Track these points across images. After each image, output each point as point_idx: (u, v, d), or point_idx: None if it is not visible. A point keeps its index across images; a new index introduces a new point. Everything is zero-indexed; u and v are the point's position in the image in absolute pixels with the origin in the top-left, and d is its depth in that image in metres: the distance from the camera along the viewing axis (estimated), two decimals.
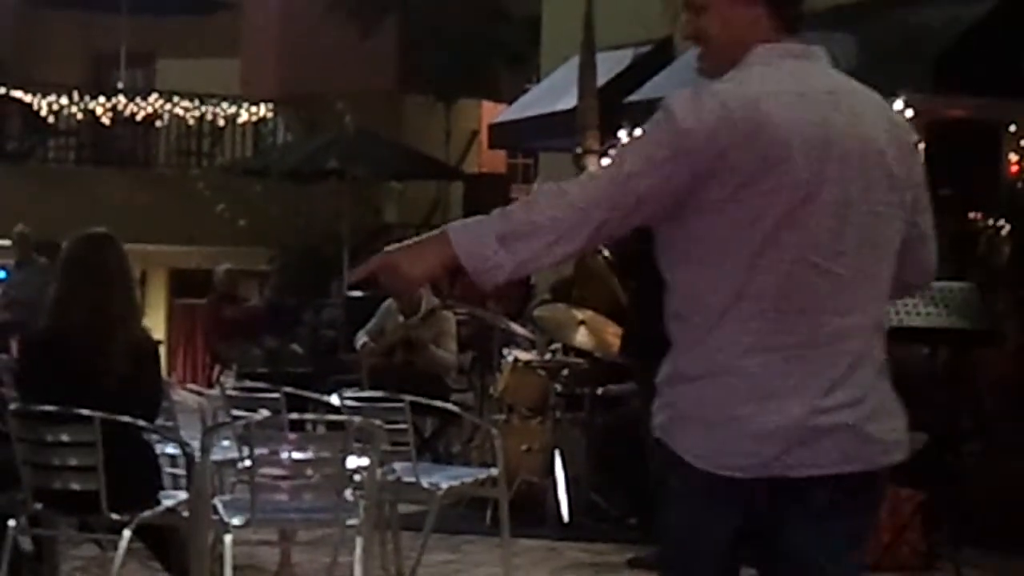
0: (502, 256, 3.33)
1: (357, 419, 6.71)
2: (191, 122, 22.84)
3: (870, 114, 3.49)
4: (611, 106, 12.43)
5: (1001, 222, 9.65)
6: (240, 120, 22.83)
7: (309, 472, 6.46)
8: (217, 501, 6.66)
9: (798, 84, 3.44)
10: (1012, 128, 9.63)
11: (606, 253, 9.68)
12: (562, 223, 3.33)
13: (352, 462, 6.50)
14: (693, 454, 3.45)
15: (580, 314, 9.60)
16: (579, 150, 12.08)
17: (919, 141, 3.57)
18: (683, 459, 3.45)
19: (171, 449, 7.40)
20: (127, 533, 6.27)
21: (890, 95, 9.71)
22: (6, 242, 16.67)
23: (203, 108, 22.77)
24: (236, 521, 6.37)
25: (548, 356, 10.27)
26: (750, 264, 3.38)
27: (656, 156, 3.36)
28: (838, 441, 3.40)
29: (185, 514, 6.55)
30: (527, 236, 3.32)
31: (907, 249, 3.56)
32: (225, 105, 22.83)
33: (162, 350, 7.98)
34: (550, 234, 3.32)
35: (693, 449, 3.45)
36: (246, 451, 6.49)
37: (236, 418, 7.31)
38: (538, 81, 16.76)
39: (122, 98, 22.56)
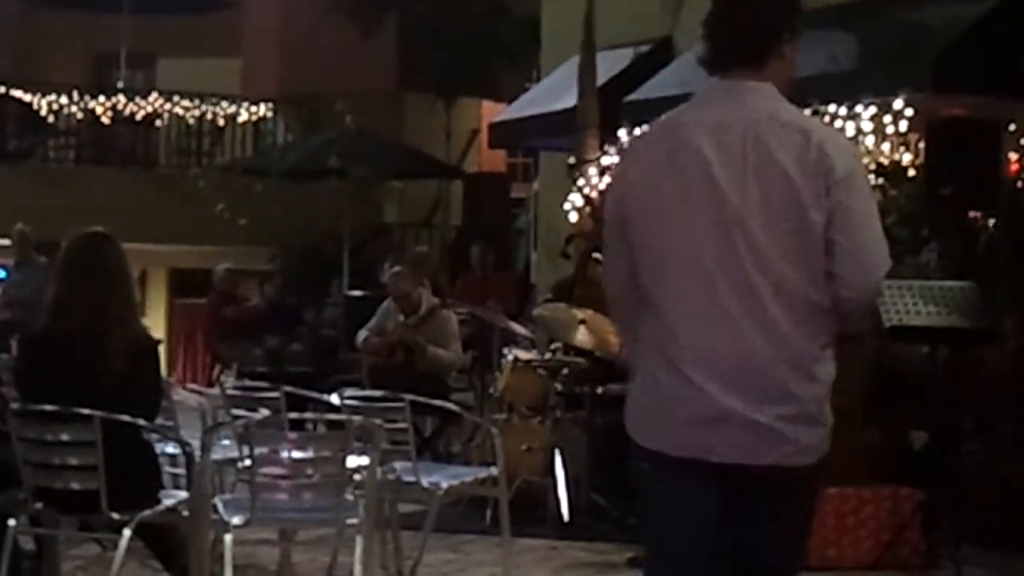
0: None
1: (357, 418, 6.71)
2: (191, 121, 22.84)
3: (781, 143, 3.94)
4: (611, 105, 12.43)
5: (1001, 221, 9.64)
6: (240, 119, 22.82)
7: (309, 471, 6.46)
8: (217, 500, 6.66)
9: (721, 114, 4.02)
10: (1012, 127, 9.62)
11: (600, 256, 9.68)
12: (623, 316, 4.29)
13: (352, 461, 6.50)
14: (635, 433, 4.07)
15: (580, 313, 9.60)
16: (572, 160, 12.09)
17: (849, 170, 3.96)
18: (634, 439, 4.07)
19: (171, 448, 7.40)
20: (127, 532, 6.27)
21: (890, 94, 9.73)
22: (6, 241, 16.66)
23: (203, 107, 22.77)
24: (236, 520, 6.37)
25: (548, 355, 10.27)
26: (657, 271, 4.02)
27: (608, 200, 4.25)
28: (747, 434, 3.91)
29: (185, 513, 6.54)
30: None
31: (831, 263, 3.94)
32: (225, 104, 22.83)
33: (162, 350, 7.97)
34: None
35: (635, 429, 4.08)
36: (246, 450, 6.49)
37: (236, 417, 7.31)
38: (538, 80, 16.77)
39: (122, 97, 22.57)
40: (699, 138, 3.99)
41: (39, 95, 22.08)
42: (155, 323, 18.88)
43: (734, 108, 4.02)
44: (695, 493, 3.98)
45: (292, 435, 6.75)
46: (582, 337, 9.56)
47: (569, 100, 13.01)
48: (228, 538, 6.32)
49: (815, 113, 10.28)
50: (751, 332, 3.90)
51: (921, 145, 9.55)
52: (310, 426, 8.46)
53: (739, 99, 4.03)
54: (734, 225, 3.92)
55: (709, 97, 4.10)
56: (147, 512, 6.36)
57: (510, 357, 10.09)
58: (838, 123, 10.14)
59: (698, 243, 3.94)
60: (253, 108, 22.81)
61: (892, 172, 9.98)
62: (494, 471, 7.81)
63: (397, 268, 12.03)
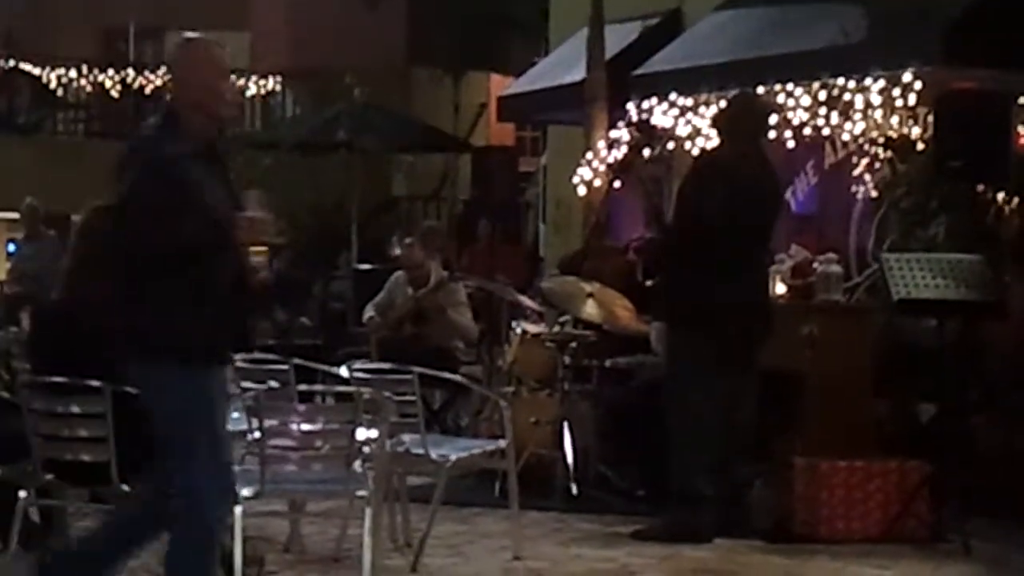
0: None
1: (366, 391, 6.73)
2: None
3: None
4: (619, 79, 12.42)
5: (1010, 194, 9.64)
6: (249, 93, 22.80)
7: (318, 443, 6.48)
8: None
9: None
10: (1022, 100, 9.60)
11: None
12: None
13: (361, 434, 6.52)
14: None
15: (589, 286, 9.61)
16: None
17: None
18: None
19: None
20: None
21: (899, 67, 9.72)
22: (15, 215, 16.69)
23: None
24: (246, 492, 6.39)
25: (557, 328, 10.28)
26: None
27: None
28: None
29: None
30: None
31: None
32: (234, 78, 22.75)
33: None
34: None
35: None
36: (256, 423, 6.51)
37: (245, 390, 7.33)
38: (547, 54, 16.73)
39: (131, 71, 22.55)
40: None
41: (48, 69, 22.08)
42: None
43: None
44: None
45: (301, 407, 6.76)
46: (590, 310, 9.58)
47: (578, 73, 13.00)
48: (238, 510, 6.34)
49: (824, 87, 10.29)
50: None
51: (930, 118, 9.54)
52: (319, 398, 8.47)
53: None
54: None
55: None
56: None
57: (518, 330, 10.10)
58: (847, 96, 10.14)
59: None
60: (262, 82, 22.79)
61: (901, 145, 9.98)
62: (502, 444, 7.83)
63: (409, 239, 12.07)
